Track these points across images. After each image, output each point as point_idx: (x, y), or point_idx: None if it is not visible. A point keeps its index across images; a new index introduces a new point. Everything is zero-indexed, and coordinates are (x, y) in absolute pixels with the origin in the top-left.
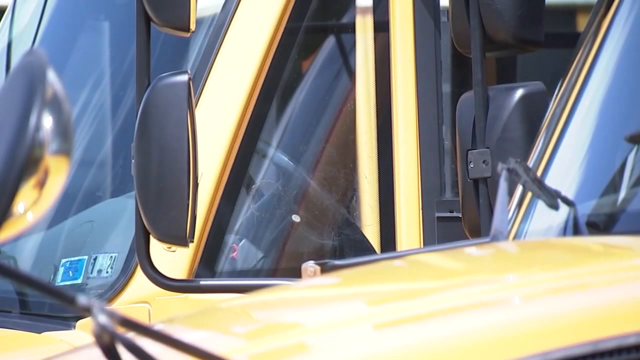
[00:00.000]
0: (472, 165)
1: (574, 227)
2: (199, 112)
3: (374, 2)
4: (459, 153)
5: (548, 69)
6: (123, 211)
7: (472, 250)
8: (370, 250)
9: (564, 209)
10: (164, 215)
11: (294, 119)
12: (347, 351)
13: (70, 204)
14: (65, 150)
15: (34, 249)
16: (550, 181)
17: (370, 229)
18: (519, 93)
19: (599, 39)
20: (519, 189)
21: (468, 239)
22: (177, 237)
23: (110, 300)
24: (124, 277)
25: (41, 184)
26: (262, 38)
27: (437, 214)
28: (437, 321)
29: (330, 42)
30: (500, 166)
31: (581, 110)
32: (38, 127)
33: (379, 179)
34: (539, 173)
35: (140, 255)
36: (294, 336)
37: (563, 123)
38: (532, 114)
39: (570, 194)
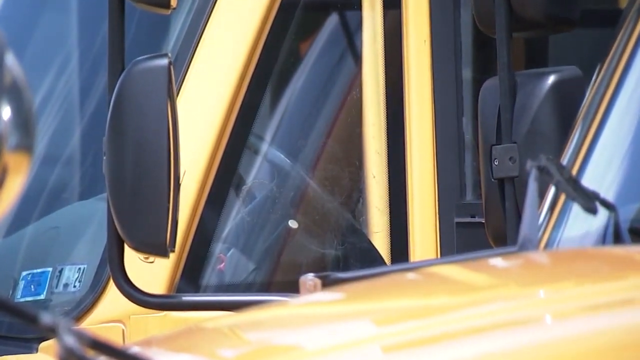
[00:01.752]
0: (496, 163)
1: (614, 234)
2: (180, 102)
3: None
4: (481, 149)
5: (584, 51)
6: (93, 216)
7: (497, 262)
8: (378, 261)
9: (603, 214)
10: (140, 220)
11: (291, 109)
12: None
13: (32, 207)
14: (26, 145)
15: None
16: (587, 181)
17: (379, 237)
18: (551, 79)
19: None
20: (551, 190)
21: (492, 248)
22: (156, 246)
23: (79, 318)
24: (94, 293)
25: None
26: (254, 15)
27: (457, 219)
28: (456, 343)
29: (333, 20)
30: (529, 164)
31: (623, 98)
32: None
33: (389, 178)
34: (574, 172)
35: (113, 266)
36: None
37: (602, 114)
38: (566, 103)
39: (610, 196)
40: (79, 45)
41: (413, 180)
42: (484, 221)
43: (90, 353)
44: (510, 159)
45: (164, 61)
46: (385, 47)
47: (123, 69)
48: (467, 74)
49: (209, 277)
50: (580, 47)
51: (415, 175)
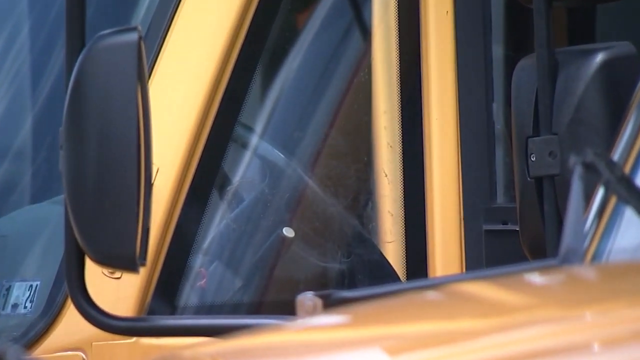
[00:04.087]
0: (533, 159)
1: None
2: (153, 85)
3: None
4: (515, 141)
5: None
6: (47, 222)
7: (534, 277)
8: (391, 276)
9: None
10: (104, 228)
11: (286, 94)
12: None
13: None
14: None
15: None
16: None
17: (393, 247)
18: (598, 58)
19: None
20: (600, 192)
21: (528, 260)
22: (123, 258)
23: (31, 345)
24: (49, 315)
25: None
26: None
27: (485, 227)
28: None
29: None
30: (572, 160)
31: None
32: None
33: (403, 177)
34: (626, 169)
35: (71, 283)
36: None
37: None
38: (617, 86)
39: None
40: (29, 16)
41: (433, 180)
42: (518, 229)
43: None
44: (550, 153)
45: (133, 36)
46: (399, 19)
47: (83, 46)
48: (497, 51)
49: (187, 296)
50: (634, 18)
51: (436, 174)
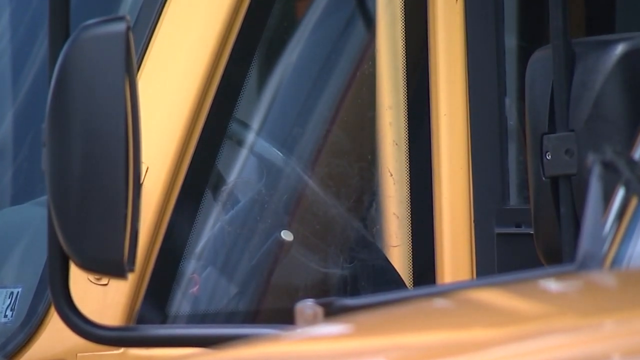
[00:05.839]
0: (549, 157)
1: None
2: (142, 78)
3: None
4: (529, 139)
5: None
6: (29, 225)
7: (550, 284)
8: (397, 283)
9: None
10: (90, 231)
11: (285, 87)
12: None
13: None
14: None
15: None
16: None
17: (398, 252)
18: (618, 49)
19: None
20: (620, 192)
21: (543, 265)
22: (111, 264)
23: (12, 357)
24: (31, 324)
25: None
26: None
27: (497, 230)
28: None
29: None
30: (590, 158)
31: None
32: None
33: (410, 176)
34: None
35: (54, 290)
36: None
37: None
38: (638, 79)
39: None
40: (9, 4)
41: (441, 179)
42: (532, 232)
43: None
44: (567, 151)
45: (121, 26)
46: (405, 7)
47: (68, 37)
48: (510, 42)
49: (179, 303)
50: None
51: (444, 173)
